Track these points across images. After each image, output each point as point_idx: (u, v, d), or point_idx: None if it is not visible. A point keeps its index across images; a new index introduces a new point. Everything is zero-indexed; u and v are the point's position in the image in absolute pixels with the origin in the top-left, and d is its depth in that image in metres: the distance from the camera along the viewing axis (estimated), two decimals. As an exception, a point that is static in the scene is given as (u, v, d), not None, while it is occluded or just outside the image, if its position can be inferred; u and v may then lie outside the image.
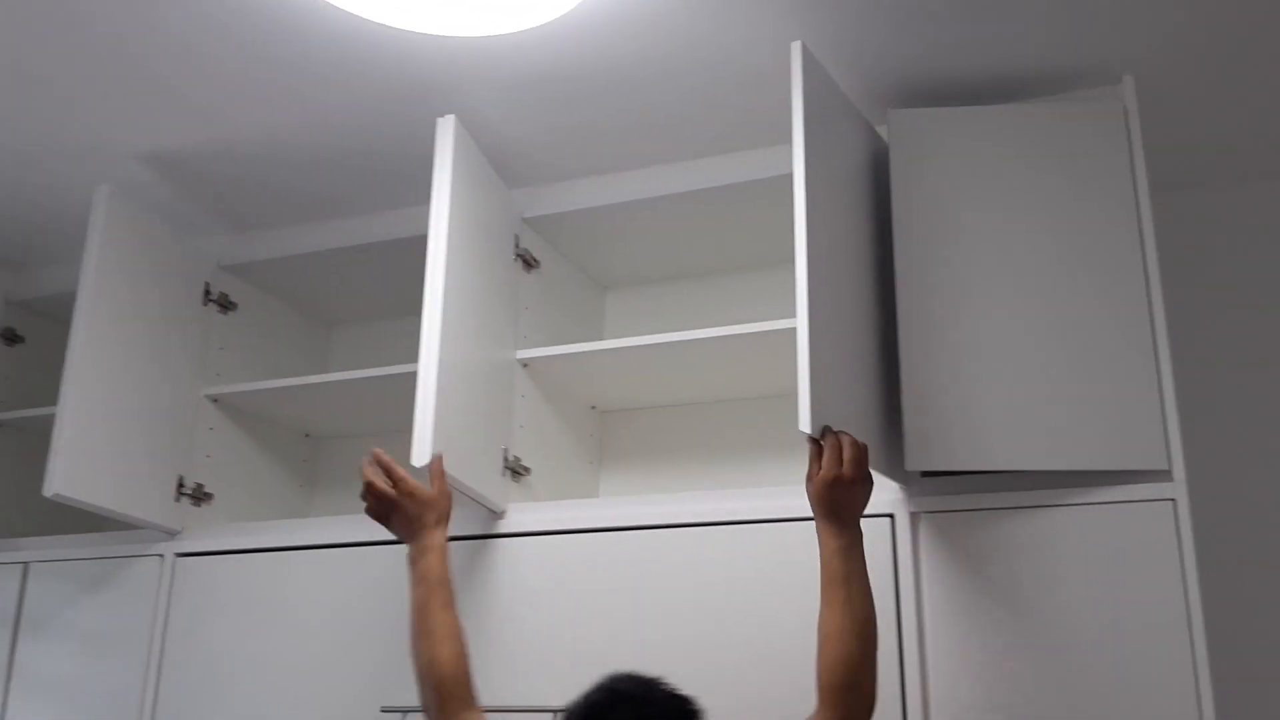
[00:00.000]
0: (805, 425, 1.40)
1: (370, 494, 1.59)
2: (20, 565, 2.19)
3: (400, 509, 1.58)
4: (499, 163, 2.01)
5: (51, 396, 2.45)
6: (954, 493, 1.63)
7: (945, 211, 1.73)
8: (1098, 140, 1.71)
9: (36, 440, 2.42)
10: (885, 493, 1.65)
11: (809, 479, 1.42)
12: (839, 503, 1.39)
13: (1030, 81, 1.80)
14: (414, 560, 1.56)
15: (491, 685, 1.62)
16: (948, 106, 1.82)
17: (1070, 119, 1.74)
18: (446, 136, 1.78)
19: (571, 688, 1.32)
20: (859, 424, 1.53)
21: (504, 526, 1.85)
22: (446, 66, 1.79)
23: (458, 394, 1.74)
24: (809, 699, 1.37)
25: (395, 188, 2.17)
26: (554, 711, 1.61)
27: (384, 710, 1.80)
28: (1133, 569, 1.52)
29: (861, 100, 1.84)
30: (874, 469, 1.48)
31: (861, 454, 1.41)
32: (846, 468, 1.39)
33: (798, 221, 1.49)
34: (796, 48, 1.58)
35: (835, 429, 1.43)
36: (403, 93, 1.87)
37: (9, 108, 1.92)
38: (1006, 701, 1.53)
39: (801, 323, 1.45)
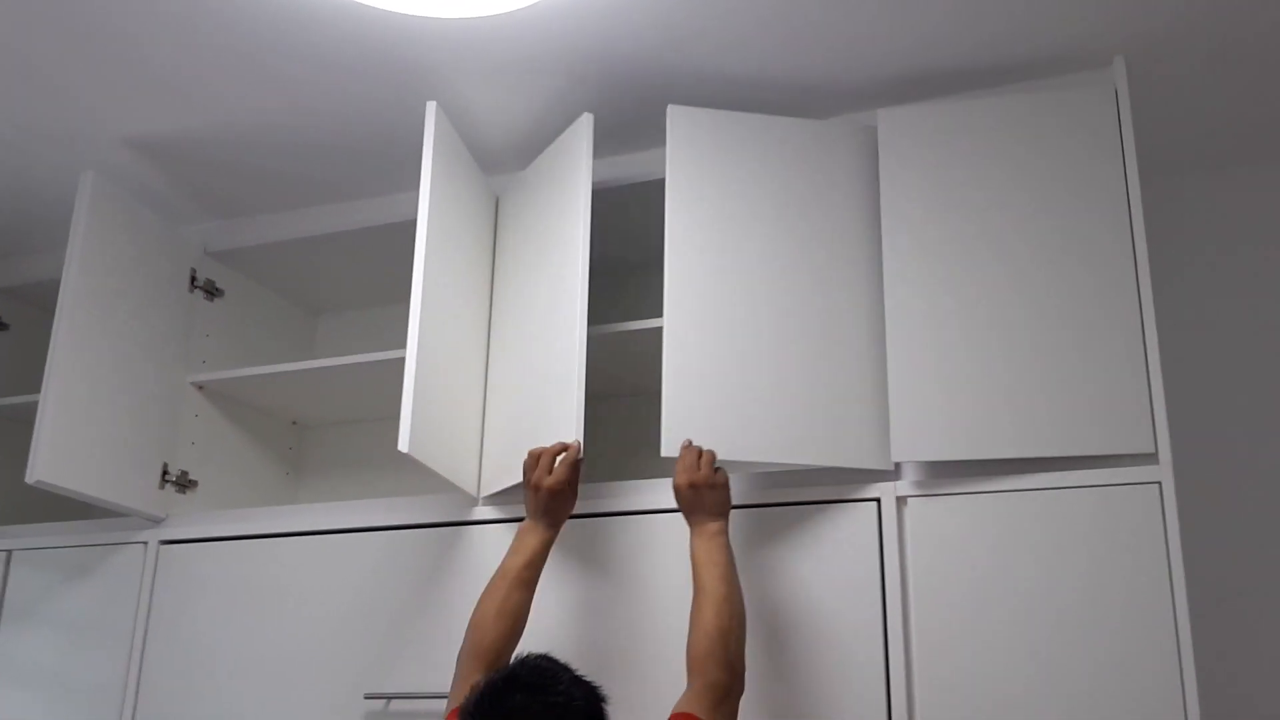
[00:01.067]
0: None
1: (569, 476, 1.63)
2: (3, 553, 2.18)
3: (569, 495, 1.65)
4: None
5: (37, 384, 2.45)
6: (939, 477, 1.63)
7: (932, 201, 1.73)
8: (1087, 123, 1.70)
9: (21, 428, 2.41)
10: (870, 478, 1.65)
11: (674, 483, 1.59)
12: (694, 501, 1.56)
13: (1019, 66, 1.80)
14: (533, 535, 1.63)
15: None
16: (937, 96, 1.83)
17: (1060, 102, 1.73)
18: (430, 123, 1.77)
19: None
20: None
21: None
22: (432, 50, 1.78)
23: (439, 379, 1.74)
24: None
25: (382, 173, 2.16)
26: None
27: (367, 697, 1.80)
28: (1118, 551, 1.52)
29: (852, 91, 1.83)
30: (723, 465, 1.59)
31: (709, 461, 1.58)
32: (702, 472, 1.57)
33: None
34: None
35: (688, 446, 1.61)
36: (388, 77, 1.86)
37: (-9, 91, 1.91)
38: (992, 685, 1.52)
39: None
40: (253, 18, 1.70)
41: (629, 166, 2.00)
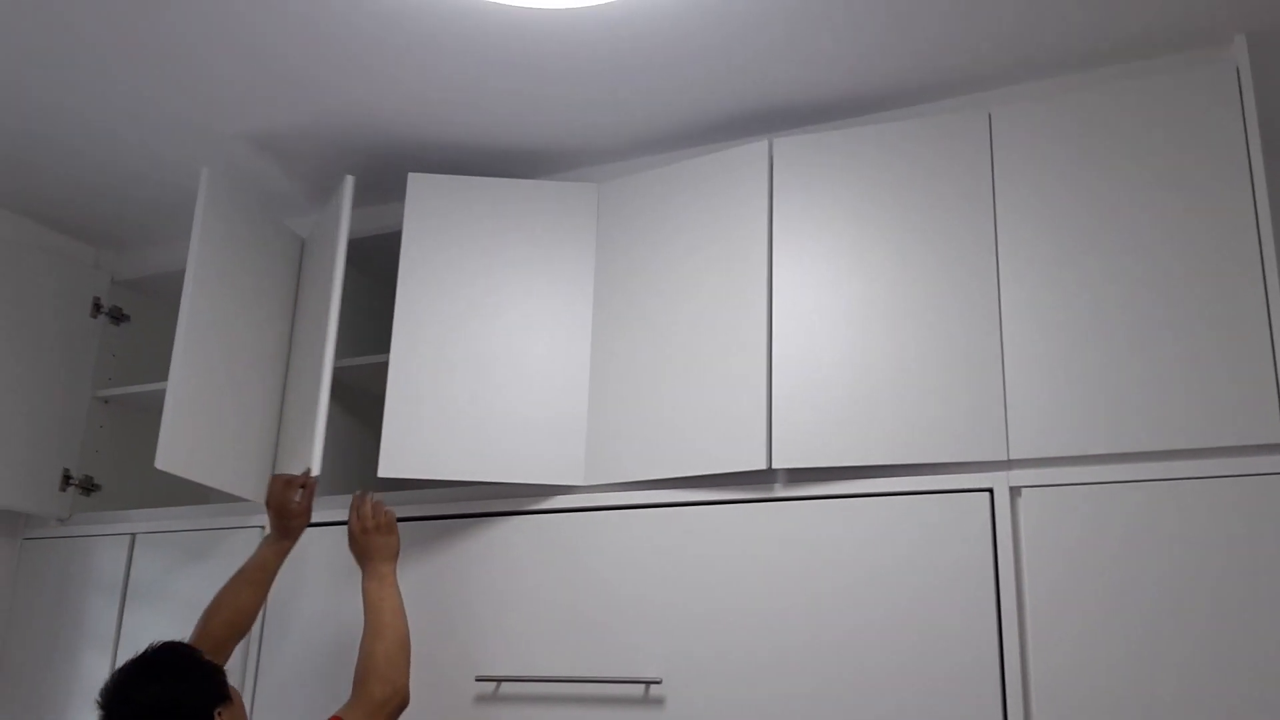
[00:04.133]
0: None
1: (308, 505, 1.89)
2: (128, 536, 2.27)
3: (307, 516, 1.90)
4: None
5: (156, 373, 2.55)
6: (1054, 466, 1.60)
7: (1047, 186, 1.70)
8: (1209, 103, 1.65)
9: (143, 416, 2.52)
10: (984, 468, 1.63)
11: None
12: (366, 546, 1.79)
13: (1137, 44, 1.75)
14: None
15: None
16: (1050, 76, 1.80)
17: (1177, 83, 1.69)
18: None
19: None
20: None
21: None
22: (551, 41, 1.80)
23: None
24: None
25: (479, 165, 2.20)
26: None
27: (479, 679, 1.84)
28: (1248, 544, 1.48)
29: (961, 74, 1.81)
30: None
31: (378, 513, 1.80)
32: (374, 520, 1.80)
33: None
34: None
35: (356, 496, 1.85)
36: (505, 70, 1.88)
37: (108, 89, 1.98)
38: (1109, 679, 1.50)
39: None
40: (382, 16, 1.74)
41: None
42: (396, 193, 2.25)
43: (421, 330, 1.98)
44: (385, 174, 2.21)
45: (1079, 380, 1.61)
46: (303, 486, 1.85)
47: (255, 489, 2.09)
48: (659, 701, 1.73)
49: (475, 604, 1.90)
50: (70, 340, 2.42)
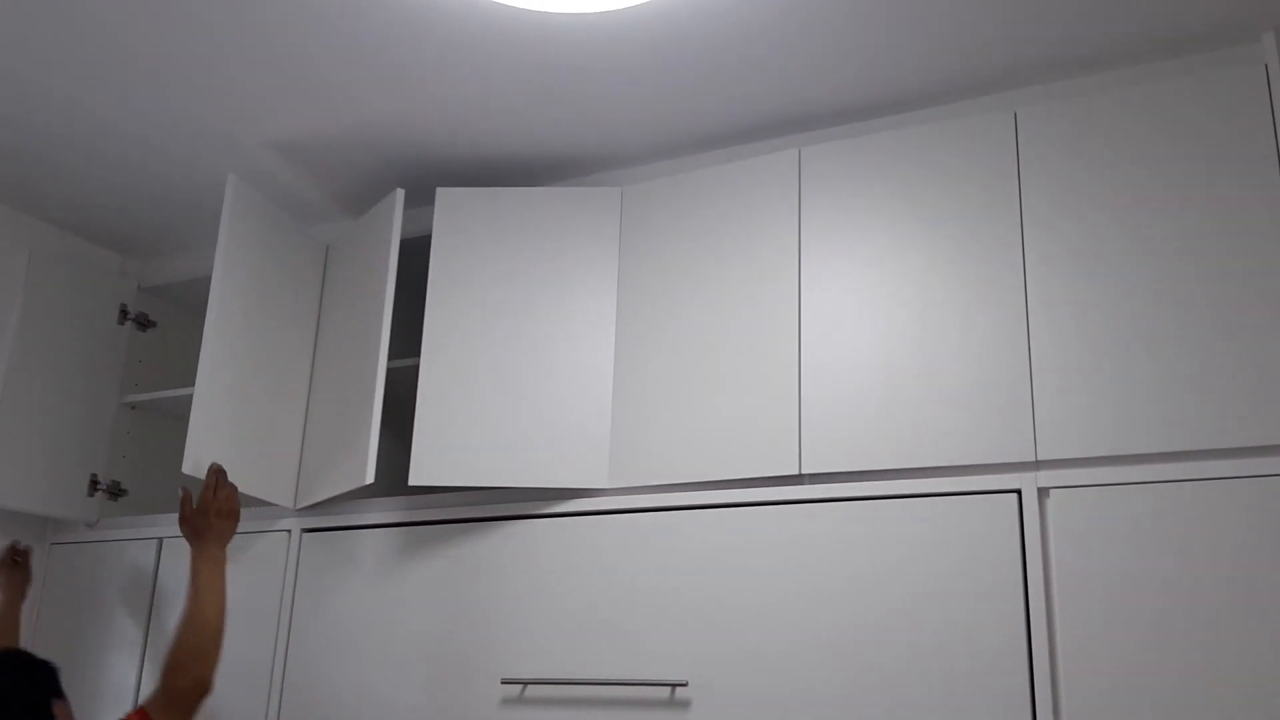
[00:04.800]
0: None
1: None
2: (155, 540, 2.29)
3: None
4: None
5: (182, 379, 2.57)
6: (1081, 467, 1.59)
7: (1074, 186, 1.69)
8: (1237, 101, 1.64)
9: (169, 421, 2.53)
10: (1012, 470, 1.62)
11: None
12: (201, 528, 1.82)
13: (1163, 42, 1.74)
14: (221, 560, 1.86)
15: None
16: (1075, 75, 1.79)
17: (1203, 82, 1.67)
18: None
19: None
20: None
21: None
22: (572, 45, 1.81)
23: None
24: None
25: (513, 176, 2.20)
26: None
27: (504, 681, 1.84)
28: (1274, 543, 1.47)
29: (987, 74, 1.80)
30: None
31: (222, 495, 1.84)
32: (218, 502, 1.84)
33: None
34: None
35: (216, 470, 1.88)
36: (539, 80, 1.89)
37: (131, 95, 2.00)
38: (1139, 680, 1.48)
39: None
40: (411, 23, 1.75)
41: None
42: (416, 198, 2.26)
43: (450, 343, 2.00)
44: (409, 181, 2.22)
45: (1107, 381, 1.61)
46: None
47: (282, 493, 2.11)
48: (685, 704, 1.72)
49: (500, 606, 1.90)
50: (97, 347, 2.44)
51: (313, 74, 1.88)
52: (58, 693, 1.69)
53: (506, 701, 1.85)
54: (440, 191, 2.08)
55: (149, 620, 2.23)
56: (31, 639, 2.36)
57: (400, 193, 2.05)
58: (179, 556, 2.25)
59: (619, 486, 1.89)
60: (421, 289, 2.30)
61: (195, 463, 1.90)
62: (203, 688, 1.70)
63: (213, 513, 1.83)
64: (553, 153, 2.11)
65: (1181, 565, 1.50)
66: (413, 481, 1.92)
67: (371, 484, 1.93)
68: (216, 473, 1.87)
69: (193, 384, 1.99)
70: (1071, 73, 1.81)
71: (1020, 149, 1.75)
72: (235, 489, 1.87)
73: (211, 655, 1.72)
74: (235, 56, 1.84)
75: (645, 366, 1.92)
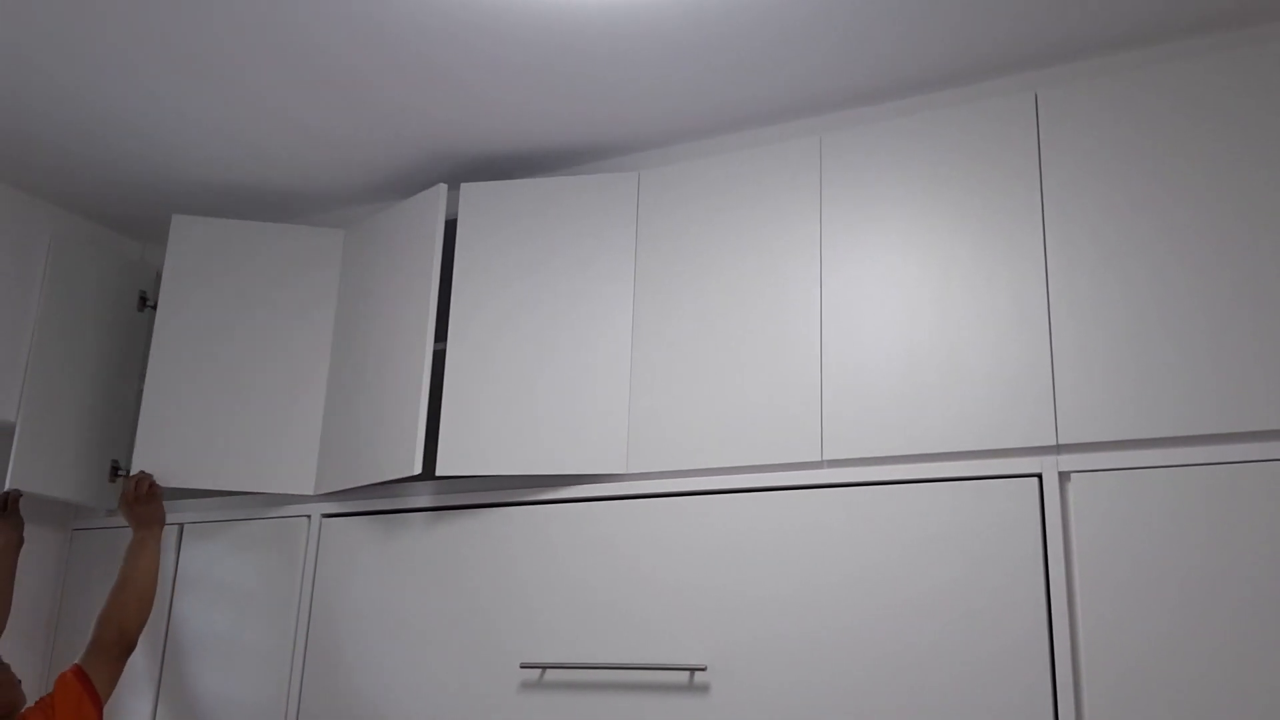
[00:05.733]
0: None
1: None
2: (176, 526, 2.30)
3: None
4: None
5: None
6: (1103, 451, 1.58)
7: (1094, 169, 1.68)
8: (1263, 83, 1.62)
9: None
10: (1033, 453, 1.62)
11: None
12: (131, 513, 2.07)
13: (1186, 20, 1.72)
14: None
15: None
16: (1096, 56, 1.77)
17: (1233, 60, 1.65)
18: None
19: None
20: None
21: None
22: (598, 35, 1.80)
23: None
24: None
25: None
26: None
27: (523, 666, 1.84)
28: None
29: (1007, 55, 1.79)
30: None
31: (141, 486, 2.08)
32: (136, 493, 2.08)
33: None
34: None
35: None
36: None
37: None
38: (1161, 663, 1.48)
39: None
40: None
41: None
42: (420, 185, 2.27)
43: (473, 334, 2.01)
44: (424, 170, 2.22)
45: (1128, 364, 1.59)
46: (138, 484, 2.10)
47: (303, 481, 2.11)
48: (704, 688, 1.72)
49: (519, 592, 1.91)
50: (117, 334, 2.46)
51: (333, 65, 1.88)
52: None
53: (526, 685, 1.85)
54: (465, 187, 2.10)
55: (170, 606, 2.24)
56: (54, 624, 2.38)
57: (443, 187, 2.07)
58: (200, 542, 2.26)
59: (637, 472, 1.88)
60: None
61: (145, 460, 2.09)
62: (128, 639, 1.91)
63: (134, 502, 2.07)
64: (571, 140, 2.11)
65: (1204, 549, 1.49)
66: (441, 472, 1.94)
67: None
68: (137, 474, 2.12)
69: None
70: (1093, 52, 1.79)
71: (1041, 131, 1.73)
72: (151, 479, 2.10)
73: (137, 613, 1.93)
74: (257, 48, 1.84)
75: (664, 351, 1.92)
